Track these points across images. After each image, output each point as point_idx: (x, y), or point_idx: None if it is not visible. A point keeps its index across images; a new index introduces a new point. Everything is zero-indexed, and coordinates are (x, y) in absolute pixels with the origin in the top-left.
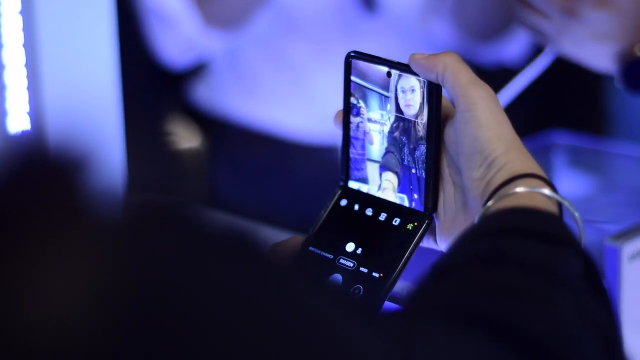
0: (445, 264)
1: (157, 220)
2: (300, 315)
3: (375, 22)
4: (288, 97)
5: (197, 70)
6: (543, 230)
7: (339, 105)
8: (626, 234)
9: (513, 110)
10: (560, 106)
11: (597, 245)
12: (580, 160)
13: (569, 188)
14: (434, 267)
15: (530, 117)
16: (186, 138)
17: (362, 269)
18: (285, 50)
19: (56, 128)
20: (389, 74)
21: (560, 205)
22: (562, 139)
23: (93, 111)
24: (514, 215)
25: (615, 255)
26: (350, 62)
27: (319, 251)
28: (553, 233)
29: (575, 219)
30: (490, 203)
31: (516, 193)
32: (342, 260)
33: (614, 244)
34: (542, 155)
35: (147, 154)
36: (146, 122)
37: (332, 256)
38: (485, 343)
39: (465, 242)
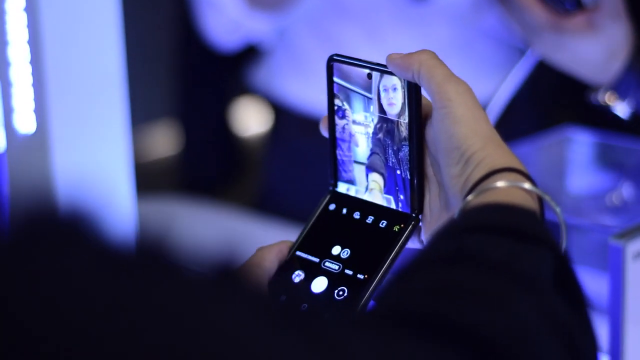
0: (409, 265)
1: (40, 236)
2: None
3: (426, 9)
4: None
5: (252, 54)
6: (515, 227)
7: None
8: (630, 233)
9: (528, 106)
10: (575, 101)
11: (603, 243)
12: (595, 156)
13: (583, 183)
14: (399, 269)
15: (545, 112)
16: (244, 123)
17: (347, 271)
18: (337, 35)
19: (60, 125)
20: (369, 76)
21: (541, 200)
22: (577, 134)
23: (98, 107)
24: (487, 212)
25: (619, 253)
26: (332, 65)
27: (306, 255)
28: (525, 230)
29: (556, 213)
30: (468, 198)
31: (494, 188)
32: (327, 264)
33: (618, 242)
34: (556, 149)
35: (206, 140)
36: (207, 108)
37: (318, 260)
38: (432, 344)
39: (435, 241)
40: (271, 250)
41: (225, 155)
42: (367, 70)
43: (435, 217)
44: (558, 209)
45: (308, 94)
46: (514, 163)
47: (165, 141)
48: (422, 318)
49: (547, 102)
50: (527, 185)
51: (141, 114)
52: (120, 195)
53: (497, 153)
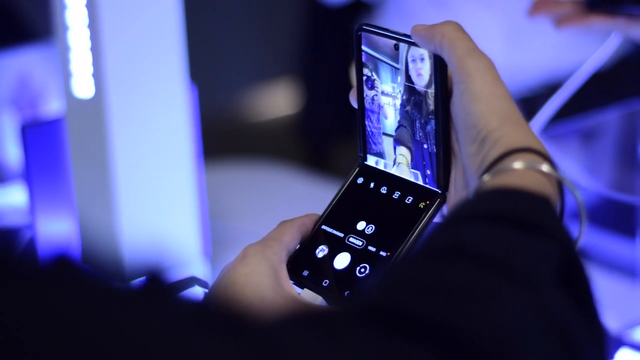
0: (409, 256)
1: None
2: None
3: None
4: None
5: (366, 10)
6: (521, 217)
7: (498, 51)
8: None
9: (597, 78)
10: None
11: None
12: None
13: None
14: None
15: (615, 84)
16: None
17: (370, 247)
18: None
19: (119, 89)
20: (396, 47)
21: (560, 183)
22: None
23: (157, 71)
24: (495, 198)
25: None
26: (361, 35)
27: (331, 229)
28: (532, 220)
29: (576, 197)
30: (483, 179)
31: (509, 170)
32: (351, 239)
33: None
34: (629, 122)
35: (325, 99)
36: (328, 65)
37: (342, 234)
38: (402, 345)
39: (436, 231)
40: (293, 225)
41: (345, 113)
42: (394, 42)
43: (458, 193)
44: (578, 193)
45: None
46: (533, 143)
47: (285, 99)
48: (399, 315)
49: (620, 74)
50: (544, 167)
51: (261, 72)
52: (181, 160)
53: (515, 132)
